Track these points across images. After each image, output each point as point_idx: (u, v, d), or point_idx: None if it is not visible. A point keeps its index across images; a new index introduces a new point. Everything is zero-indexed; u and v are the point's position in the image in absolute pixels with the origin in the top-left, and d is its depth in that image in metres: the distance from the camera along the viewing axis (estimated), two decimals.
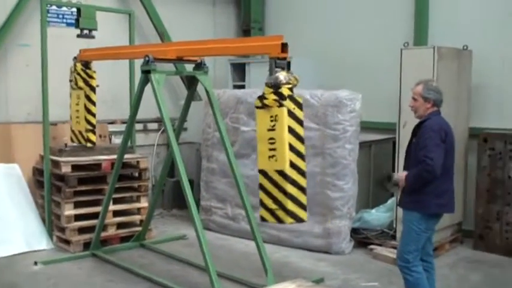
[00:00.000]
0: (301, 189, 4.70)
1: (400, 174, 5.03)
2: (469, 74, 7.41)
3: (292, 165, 4.62)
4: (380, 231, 7.23)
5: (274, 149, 4.63)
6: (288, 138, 4.59)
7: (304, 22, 9.79)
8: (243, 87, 8.88)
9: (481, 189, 7.25)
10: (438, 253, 6.90)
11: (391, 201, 7.34)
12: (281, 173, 4.63)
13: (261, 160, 4.76)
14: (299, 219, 4.72)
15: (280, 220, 4.74)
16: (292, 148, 4.62)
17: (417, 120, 5.11)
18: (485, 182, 7.18)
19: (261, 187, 4.80)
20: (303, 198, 4.72)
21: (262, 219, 4.88)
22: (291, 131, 4.61)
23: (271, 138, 4.64)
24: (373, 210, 7.38)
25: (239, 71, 9.32)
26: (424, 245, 5.04)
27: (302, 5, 9.88)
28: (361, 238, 7.24)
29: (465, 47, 7.29)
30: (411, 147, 5.10)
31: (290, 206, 4.64)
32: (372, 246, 7.05)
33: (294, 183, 4.64)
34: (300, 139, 4.69)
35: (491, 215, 7.15)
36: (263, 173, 4.76)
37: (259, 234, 5.88)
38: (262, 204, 4.81)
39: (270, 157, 4.66)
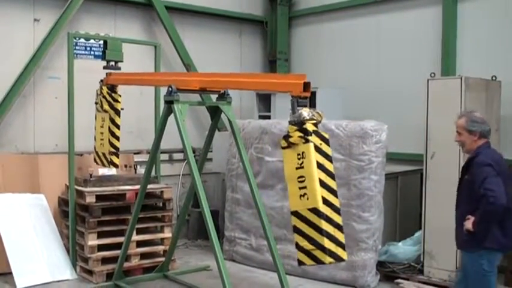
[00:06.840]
0: (337, 226, 4.45)
1: (467, 222, 4.71)
2: (498, 104, 7.26)
3: (325, 201, 4.40)
4: (407, 265, 7.06)
5: (304, 187, 4.42)
6: (318, 173, 4.40)
7: (330, 53, 9.81)
8: (268, 117, 8.86)
9: None
10: None
11: (418, 234, 7.16)
12: (314, 211, 4.39)
13: (293, 200, 4.54)
14: (338, 259, 4.44)
15: (318, 261, 4.44)
16: (323, 184, 4.41)
17: (460, 153, 4.89)
18: None
19: (295, 229, 4.55)
20: (340, 236, 4.46)
21: (300, 263, 4.58)
22: (320, 166, 4.42)
23: (300, 177, 4.44)
24: (400, 243, 7.22)
25: (265, 101, 9.32)
26: None
27: (327, 36, 9.90)
28: (388, 272, 7.07)
29: (494, 78, 7.18)
30: (462, 185, 4.86)
31: (327, 244, 4.36)
32: (398, 280, 6.89)
33: (328, 220, 4.39)
34: (330, 175, 4.48)
35: None
36: (295, 214, 4.53)
37: (281, 266, 5.78)
38: (298, 246, 4.54)
39: (301, 196, 4.45)
